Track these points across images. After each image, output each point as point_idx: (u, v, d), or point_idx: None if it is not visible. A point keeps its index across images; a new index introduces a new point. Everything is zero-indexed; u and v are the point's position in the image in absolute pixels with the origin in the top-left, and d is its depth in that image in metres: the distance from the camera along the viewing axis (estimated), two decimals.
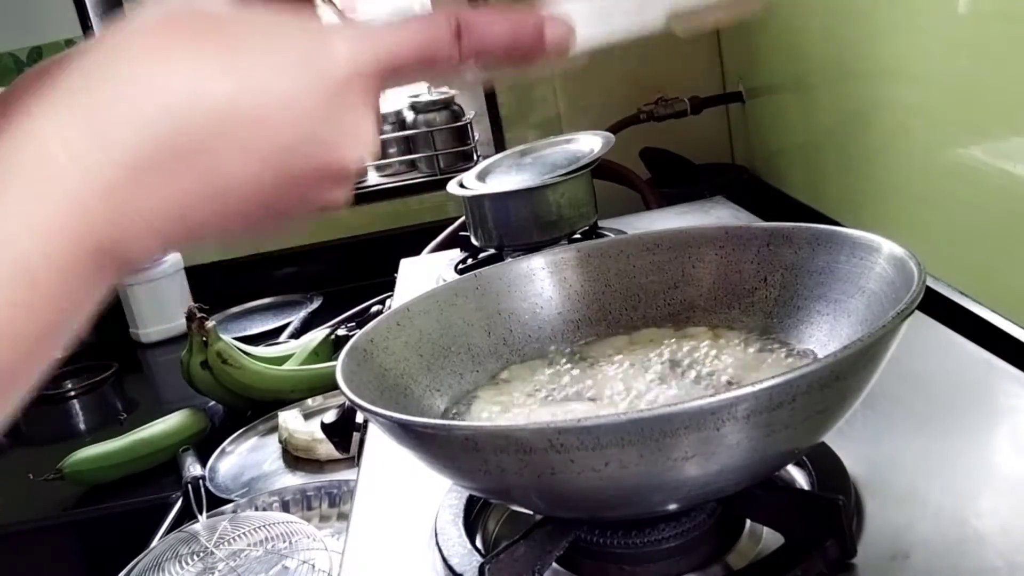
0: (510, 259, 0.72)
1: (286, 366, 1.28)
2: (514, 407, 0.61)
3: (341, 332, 1.34)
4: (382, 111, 0.42)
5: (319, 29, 0.36)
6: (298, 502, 0.97)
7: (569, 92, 1.64)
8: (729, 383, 0.58)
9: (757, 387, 0.41)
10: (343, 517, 0.94)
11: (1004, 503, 0.53)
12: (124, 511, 1.05)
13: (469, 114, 1.72)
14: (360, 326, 1.10)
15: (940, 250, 0.85)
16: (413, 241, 1.41)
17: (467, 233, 1.15)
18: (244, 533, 0.93)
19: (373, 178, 1.80)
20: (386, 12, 0.62)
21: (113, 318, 1.68)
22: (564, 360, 0.66)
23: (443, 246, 1.36)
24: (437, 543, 0.57)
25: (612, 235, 1.07)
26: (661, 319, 0.69)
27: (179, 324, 1.59)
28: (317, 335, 1.35)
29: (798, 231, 0.63)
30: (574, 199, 1.08)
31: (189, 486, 1.03)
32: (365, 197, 1.73)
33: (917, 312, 0.48)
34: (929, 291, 0.73)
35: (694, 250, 0.69)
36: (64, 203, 0.31)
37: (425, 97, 1.71)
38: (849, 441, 0.59)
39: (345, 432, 0.85)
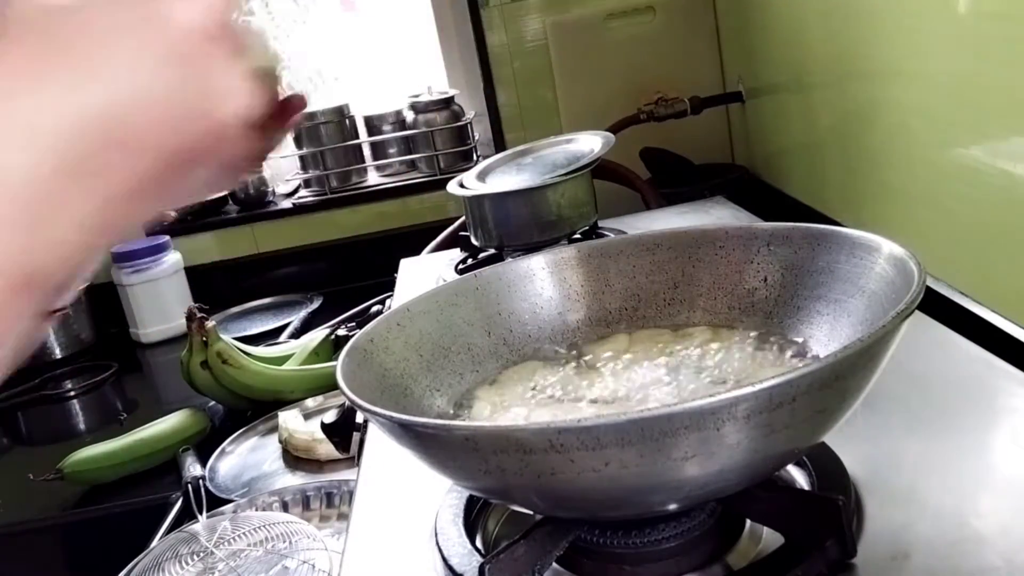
0: (510, 259, 0.72)
1: (286, 366, 1.28)
2: (514, 407, 0.61)
3: (341, 332, 1.34)
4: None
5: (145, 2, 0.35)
6: (298, 502, 0.97)
7: (569, 92, 1.64)
8: (729, 383, 0.58)
9: (757, 387, 0.41)
10: (343, 517, 0.94)
11: (1004, 503, 0.53)
12: (124, 511, 1.05)
13: (469, 114, 1.73)
14: (360, 326, 1.10)
15: (940, 250, 0.85)
16: (413, 241, 1.41)
17: (467, 233, 1.15)
18: (244, 533, 0.93)
19: (373, 178, 1.80)
20: None
21: (113, 318, 1.69)
22: (564, 360, 0.66)
23: (443, 246, 1.36)
24: (437, 543, 0.57)
25: (612, 235, 1.07)
26: (661, 319, 0.69)
27: (179, 324, 1.59)
28: (317, 335, 1.35)
29: (798, 231, 0.63)
30: (574, 199, 1.08)
31: (189, 486, 1.03)
32: (365, 197, 1.74)
33: (917, 312, 0.48)
34: (929, 291, 0.73)
35: (694, 250, 0.69)
36: None
37: (425, 97, 1.71)
38: (849, 441, 0.59)
39: (345, 432, 0.85)
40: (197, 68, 0.35)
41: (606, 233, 1.14)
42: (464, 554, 0.55)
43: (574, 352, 0.68)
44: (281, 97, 0.41)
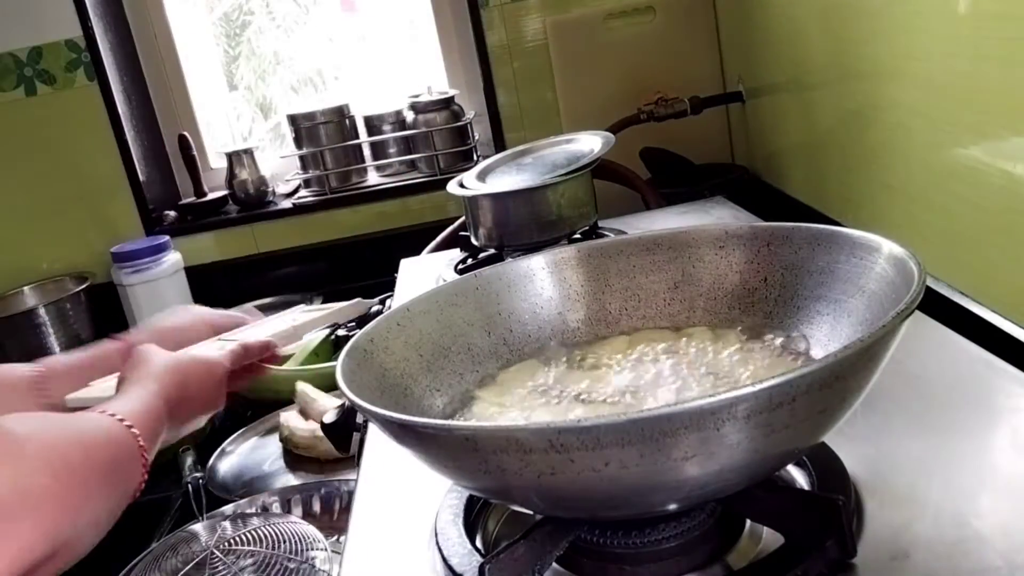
0: (510, 259, 0.72)
1: (286, 366, 1.28)
2: (514, 407, 0.61)
3: (341, 332, 1.34)
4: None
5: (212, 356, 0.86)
6: (298, 502, 0.97)
7: (569, 92, 1.64)
8: (729, 383, 0.58)
9: (757, 387, 0.41)
10: (343, 517, 0.94)
11: (1004, 503, 0.53)
12: (124, 511, 1.04)
13: (469, 114, 1.72)
14: (360, 326, 1.10)
15: (940, 250, 0.85)
16: (413, 241, 1.41)
17: (467, 233, 1.15)
18: (244, 533, 0.93)
19: (373, 178, 1.80)
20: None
21: (113, 318, 1.68)
22: (564, 360, 0.66)
23: (443, 246, 1.36)
24: (437, 543, 0.57)
25: (612, 235, 1.07)
26: (661, 319, 0.69)
27: None
28: (317, 335, 1.35)
29: (798, 231, 0.63)
30: (574, 199, 1.08)
31: (189, 486, 1.03)
32: (365, 197, 1.74)
33: (917, 312, 0.48)
34: (929, 291, 0.73)
35: (694, 250, 0.69)
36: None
37: (425, 97, 1.71)
38: (849, 441, 0.59)
39: (345, 432, 0.85)
40: (220, 377, 0.87)
41: (606, 233, 1.14)
42: (464, 554, 0.55)
43: (574, 352, 0.68)
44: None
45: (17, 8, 1.65)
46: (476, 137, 1.73)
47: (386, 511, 0.66)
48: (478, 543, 0.58)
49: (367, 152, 1.79)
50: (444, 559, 0.56)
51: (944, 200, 0.85)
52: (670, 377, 0.60)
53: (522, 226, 1.08)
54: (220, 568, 0.90)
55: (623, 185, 1.46)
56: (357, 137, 1.76)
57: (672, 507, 0.50)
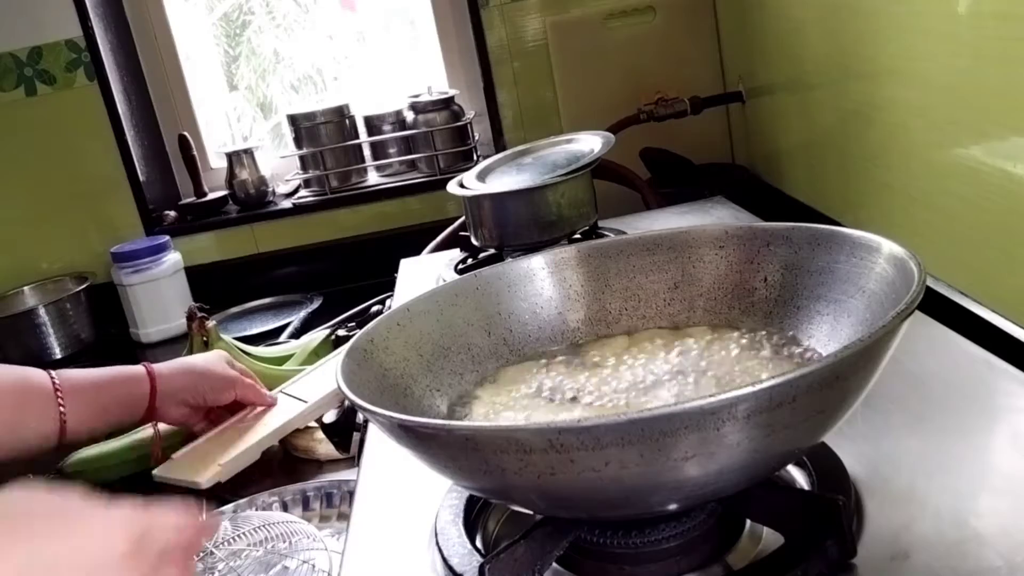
0: (510, 259, 0.72)
1: (286, 366, 1.28)
2: (514, 407, 0.61)
3: (341, 332, 1.34)
4: None
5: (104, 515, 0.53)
6: (298, 502, 0.97)
7: (569, 92, 1.64)
8: (729, 383, 0.58)
9: (757, 387, 0.41)
10: (343, 517, 0.94)
11: (1004, 503, 0.53)
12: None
13: (469, 114, 1.72)
14: (360, 326, 1.10)
15: (940, 250, 0.85)
16: (413, 241, 1.41)
17: (467, 233, 1.15)
18: (244, 533, 0.93)
19: (373, 178, 1.80)
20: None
21: (113, 318, 1.69)
22: (564, 360, 0.66)
23: (443, 246, 1.36)
24: (437, 543, 0.57)
25: (612, 235, 1.07)
26: (661, 319, 0.69)
27: (179, 324, 1.59)
28: (317, 335, 1.35)
29: (798, 231, 0.63)
30: (574, 199, 1.08)
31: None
32: (365, 197, 1.74)
33: (917, 312, 0.48)
34: (929, 291, 0.73)
35: (694, 250, 0.69)
36: None
37: (425, 97, 1.71)
38: (849, 441, 0.59)
39: (345, 432, 0.85)
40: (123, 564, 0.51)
41: (606, 233, 1.14)
42: (464, 554, 0.55)
43: (574, 352, 0.68)
44: None
45: (17, 8, 1.66)
46: (476, 137, 1.73)
47: (386, 511, 0.66)
48: (478, 543, 0.59)
49: (367, 152, 1.79)
50: (444, 559, 0.56)
51: (944, 200, 0.85)
52: (670, 377, 0.60)
53: (522, 226, 1.08)
54: (220, 568, 0.90)
55: (623, 185, 1.46)
56: (357, 137, 1.76)
57: (672, 507, 0.50)
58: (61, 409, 0.94)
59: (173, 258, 1.66)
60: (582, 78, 1.63)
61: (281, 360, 1.30)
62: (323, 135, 1.73)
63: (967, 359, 0.70)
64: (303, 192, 1.78)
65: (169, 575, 0.51)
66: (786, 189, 1.33)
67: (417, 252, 1.36)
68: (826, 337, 0.60)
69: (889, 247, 0.56)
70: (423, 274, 1.20)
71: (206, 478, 0.98)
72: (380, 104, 1.77)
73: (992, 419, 0.63)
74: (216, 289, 1.71)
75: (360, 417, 0.84)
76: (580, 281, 0.71)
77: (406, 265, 1.28)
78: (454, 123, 1.69)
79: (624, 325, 0.70)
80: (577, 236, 1.09)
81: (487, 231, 1.10)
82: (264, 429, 1.06)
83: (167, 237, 1.68)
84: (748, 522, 0.55)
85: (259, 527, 0.94)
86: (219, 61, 1.95)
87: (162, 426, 1.17)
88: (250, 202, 1.77)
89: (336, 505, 0.95)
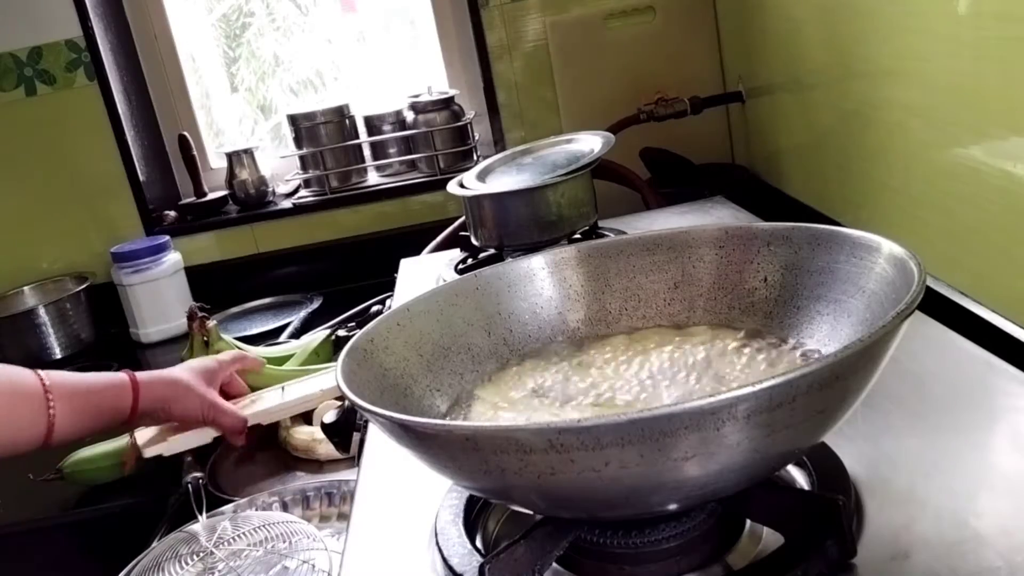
0: (510, 259, 0.72)
1: (286, 366, 1.28)
2: (514, 407, 0.61)
3: (341, 332, 1.34)
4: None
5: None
6: (298, 502, 0.97)
7: (569, 92, 1.64)
8: (729, 383, 0.58)
9: (757, 387, 0.41)
10: (343, 517, 0.94)
11: (1004, 503, 0.53)
12: (124, 511, 1.05)
13: (469, 114, 1.73)
14: (360, 326, 1.10)
15: (940, 250, 0.85)
16: (413, 241, 1.41)
17: (467, 233, 1.15)
18: (244, 533, 0.93)
19: (373, 178, 1.80)
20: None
21: (113, 318, 1.69)
22: (564, 360, 0.66)
23: (443, 246, 1.36)
24: (437, 543, 0.57)
25: (612, 235, 1.07)
26: (661, 319, 0.69)
27: (179, 324, 1.59)
28: (317, 335, 1.35)
29: (798, 231, 0.63)
30: (574, 199, 1.08)
31: (189, 486, 1.03)
32: (365, 197, 1.74)
33: (917, 312, 0.48)
34: (929, 291, 0.73)
35: (694, 250, 0.69)
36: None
37: (425, 97, 1.71)
38: (849, 441, 0.59)
39: (345, 432, 0.85)
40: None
41: (606, 233, 1.14)
42: (464, 554, 0.55)
43: (574, 352, 0.68)
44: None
45: (17, 8, 1.66)
46: (476, 137, 1.73)
47: (386, 511, 0.66)
48: (478, 543, 0.59)
49: (367, 152, 1.79)
50: (444, 559, 0.56)
51: (944, 200, 0.85)
52: (670, 377, 0.60)
53: (522, 226, 1.08)
54: (220, 568, 0.90)
55: (623, 185, 1.46)
56: (357, 137, 1.76)
57: (672, 507, 0.50)
58: (51, 411, 0.94)
59: (173, 258, 1.66)
60: (582, 78, 1.63)
61: (281, 360, 1.30)
62: (323, 135, 1.73)
63: (967, 359, 0.70)
64: (303, 192, 1.78)
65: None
66: (786, 189, 1.33)
67: (417, 252, 1.36)
68: (826, 337, 0.60)
69: (889, 247, 0.56)
70: (423, 274, 1.20)
71: (150, 449, 1.05)
72: (380, 104, 1.78)
73: (992, 419, 0.63)
74: (216, 289, 1.71)
75: (360, 417, 0.84)
76: (580, 281, 0.71)
77: (406, 265, 1.28)
78: (454, 123, 1.69)
79: (624, 325, 0.70)
80: (577, 236, 1.09)
81: (487, 231, 1.10)
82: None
83: (167, 237, 1.68)
84: (748, 522, 0.55)
85: (259, 527, 0.94)
86: (220, 63, 1.95)
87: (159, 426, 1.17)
88: (250, 202, 1.77)
89: (336, 505, 0.95)
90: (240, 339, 1.34)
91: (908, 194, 0.92)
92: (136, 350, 1.66)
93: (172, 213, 1.79)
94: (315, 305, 1.64)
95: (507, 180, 1.12)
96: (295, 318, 1.58)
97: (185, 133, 1.77)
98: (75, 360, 1.65)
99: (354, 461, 0.94)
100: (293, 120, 1.73)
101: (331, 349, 1.32)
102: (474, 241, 1.13)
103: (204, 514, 0.95)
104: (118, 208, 1.75)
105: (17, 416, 0.93)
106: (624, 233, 0.97)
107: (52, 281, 1.77)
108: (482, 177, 1.15)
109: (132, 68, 1.78)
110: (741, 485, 0.49)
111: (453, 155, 1.71)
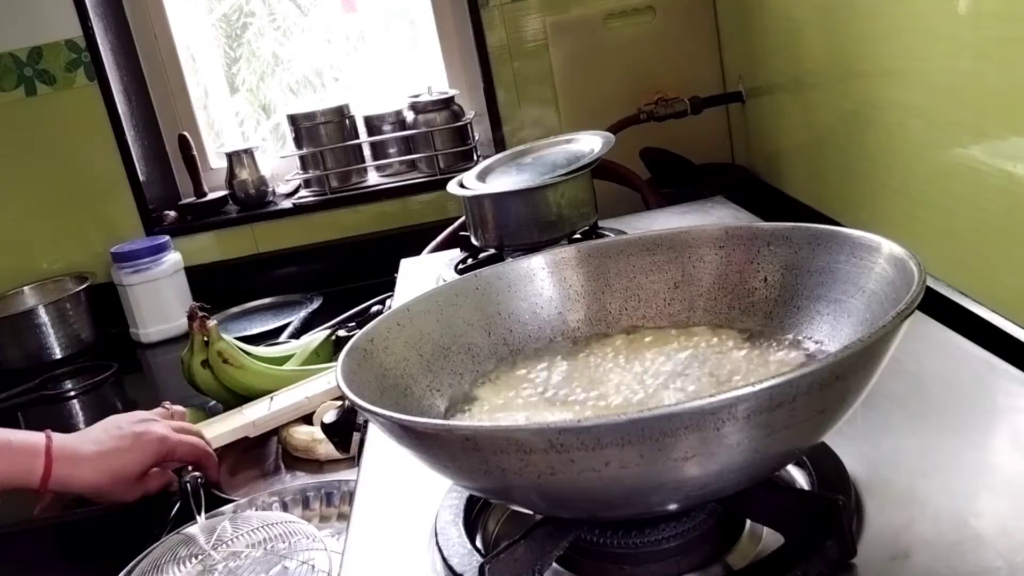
0: (510, 259, 0.72)
1: (287, 366, 1.28)
2: (514, 407, 0.61)
3: (341, 332, 1.34)
4: None
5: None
6: (298, 502, 0.97)
7: (569, 92, 1.64)
8: (729, 383, 0.58)
9: (757, 387, 0.41)
10: (343, 517, 0.94)
11: (1004, 503, 0.53)
12: (124, 511, 1.05)
13: (469, 114, 1.72)
14: (360, 326, 1.10)
15: (940, 250, 0.85)
16: (413, 241, 1.41)
17: (467, 233, 1.15)
18: (243, 534, 0.93)
19: (373, 178, 1.80)
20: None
21: (113, 318, 1.69)
22: (564, 360, 0.66)
23: (443, 246, 1.36)
24: (437, 543, 0.57)
25: (612, 235, 1.07)
26: (661, 319, 0.69)
27: (179, 324, 1.59)
28: (318, 335, 1.35)
29: (798, 231, 0.63)
30: (574, 199, 1.08)
31: (188, 485, 1.03)
32: (365, 197, 1.74)
33: (917, 312, 0.48)
34: (929, 291, 0.73)
35: (694, 250, 0.69)
36: None
37: (425, 97, 1.71)
38: (849, 441, 0.59)
39: (345, 432, 0.85)
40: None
41: (606, 233, 1.14)
42: (464, 554, 0.55)
43: (574, 352, 0.68)
44: None
45: (17, 8, 1.66)
46: (476, 137, 1.73)
47: (386, 511, 0.66)
48: (478, 543, 0.59)
49: (367, 152, 1.79)
50: (444, 559, 0.56)
51: (944, 200, 0.85)
52: (670, 377, 0.60)
53: (522, 226, 1.08)
54: (219, 568, 0.90)
55: (623, 185, 1.46)
56: (357, 137, 1.76)
57: (672, 507, 0.50)
58: None
59: (173, 258, 1.66)
60: (582, 78, 1.63)
61: (281, 360, 1.30)
62: (323, 135, 1.73)
63: (967, 359, 0.70)
64: (303, 192, 1.78)
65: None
66: (786, 189, 1.33)
67: (417, 252, 1.36)
68: (826, 337, 0.60)
69: (889, 247, 0.56)
70: (423, 274, 1.20)
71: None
72: (380, 104, 1.77)
73: (992, 419, 0.63)
74: (216, 289, 1.71)
75: (360, 417, 0.84)
76: (580, 281, 0.71)
77: (406, 265, 1.28)
78: (454, 123, 1.69)
79: (624, 325, 0.70)
80: (577, 236, 1.09)
81: (487, 231, 1.10)
82: (208, 433, 1.10)
83: (167, 237, 1.67)
84: (748, 522, 0.55)
85: (259, 527, 0.94)
86: (220, 63, 1.95)
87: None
88: (250, 202, 1.77)
89: (336, 505, 0.95)
90: (240, 339, 1.34)
91: (908, 194, 0.92)
92: (136, 350, 1.66)
93: (172, 213, 1.79)
94: (315, 305, 1.64)
95: (507, 180, 1.12)
96: (295, 318, 1.58)
97: (185, 133, 1.77)
98: (75, 360, 1.65)
99: (354, 461, 0.94)
100: (293, 120, 1.73)
101: (331, 349, 1.32)
102: (474, 241, 1.13)
103: (203, 514, 0.95)
104: (118, 208, 1.75)
105: None
106: (624, 233, 0.97)
107: (52, 281, 1.77)
108: (482, 177, 1.15)
109: (132, 68, 1.77)
110: (741, 485, 0.49)
111: (453, 155, 1.71)
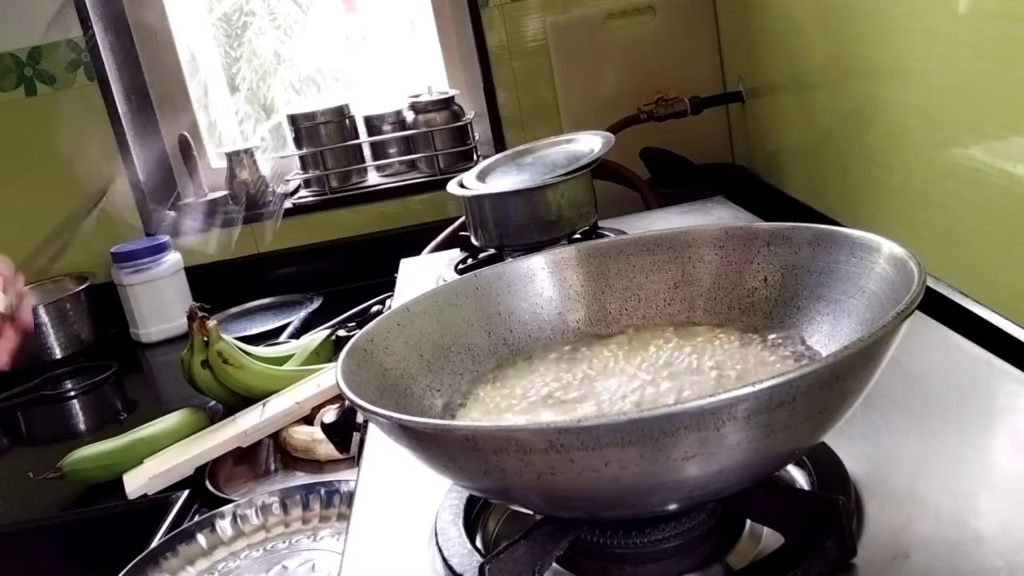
0: (510, 259, 0.72)
1: (287, 366, 1.28)
2: (513, 407, 0.61)
3: (341, 332, 1.34)
4: None
5: None
6: (298, 502, 0.97)
7: (569, 92, 1.64)
8: (729, 383, 0.58)
9: (757, 387, 0.41)
10: (343, 517, 0.94)
11: (1004, 503, 0.53)
12: (124, 511, 1.05)
13: (469, 114, 1.72)
14: (360, 326, 1.10)
15: (940, 250, 0.85)
16: (413, 241, 1.41)
17: (467, 233, 1.15)
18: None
19: (373, 178, 1.80)
20: None
21: (113, 318, 1.69)
22: (564, 360, 0.66)
23: (443, 246, 1.36)
24: (437, 543, 0.57)
25: (612, 235, 1.07)
26: (661, 319, 0.69)
27: (179, 324, 1.59)
28: (318, 335, 1.35)
29: (798, 231, 0.63)
30: (574, 199, 1.08)
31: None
32: (365, 197, 1.74)
33: (917, 312, 0.48)
34: (929, 291, 0.73)
35: (694, 250, 0.69)
36: None
37: (425, 97, 1.71)
38: (849, 441, 0.59)
39: (345, 432, 0.85)
40: None
41: (606, 233, 1.14)
42: (464, 554, 0.55)
43: (574, 352, 0.68)
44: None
45: (17, 8, 1.66)
46: (476, 137, 1.73)
47: (386, 511, 0.66)
48: (478, 543, 0.59)
49: (367, 152, 1.79)
50: (444, 559, 0.56)
51: (944, 200, 0.85)
52: (670, 377, 0.60)
53: (522, 226, 1.08)
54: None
55: (623, 185, 1.46)
56: (357, 137, 1.76)
57: (672, 507, 0.50)
58: None
59: (173, 258, 1.66)
60: (582, 78, 1.63)
61: (281, 360, 1.30)
62: (323, 135, 1.73)
63: (967, 359, 0.70)
64: (303, 192, 1.78)
65: None
66: (786, 189, 1.33)
67: (417, 252, 1.36)
68: (826, 337, 0.60)
69: (889, 247, 0.56)
70: (423, 274, 1.20)
71: (133, 488, 1.04)
72: (380, 104, 1.77)
73: (992, 419, 0.63)
74: (216, 289, 1.71)
75: (360, 417, 0.84)
76: (580, 281, 0.71)
77: (406, 265, 1.28)
78: (454, 123, 1.69)
79: (624, 325, 0.70)
80: (577, 236, 1.09)
81: (487, 231, 1.10)
82: (199, 447, 1.10)
83: (167, 237, 1.67)
84: (748, 522, 0.55)
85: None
86: (220, 63, 1.95)
87: (160, 426, 1.17)
88: (250, 202, 1.77)
89: (336, 505, 0.96)
90: (240, 339, 1.34)
91: (908, 194, 0.92)
92: (136, 350, 1.66)
93: (172, 213, 1.79)
94: (315, 305, 1.64)
95: (507, 180, 1.12)
96: (295, 318, 1.58)
97: (185, 133, 1.77)
98: (75, 360, 1.65)
99: (354, 461, 0.94)
100: (293, 120, 1.73)
101: (331, 349, 1.32)
102: (474, 241, 1.13)
103: (203, 514, 0.95)
104: (118, 208, 1.75)
105: None
106: (624, 233, 0.97)
107: (52, 281, 1.77)
108: (482, 177, 1.15)
109: (132, 68, 1.77)
110: (741, 485, 0.49)
111: (453, 155, 1.71)
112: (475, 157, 1.72)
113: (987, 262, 0.79)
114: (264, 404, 1.16)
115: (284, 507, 0.96)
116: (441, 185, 1.30)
